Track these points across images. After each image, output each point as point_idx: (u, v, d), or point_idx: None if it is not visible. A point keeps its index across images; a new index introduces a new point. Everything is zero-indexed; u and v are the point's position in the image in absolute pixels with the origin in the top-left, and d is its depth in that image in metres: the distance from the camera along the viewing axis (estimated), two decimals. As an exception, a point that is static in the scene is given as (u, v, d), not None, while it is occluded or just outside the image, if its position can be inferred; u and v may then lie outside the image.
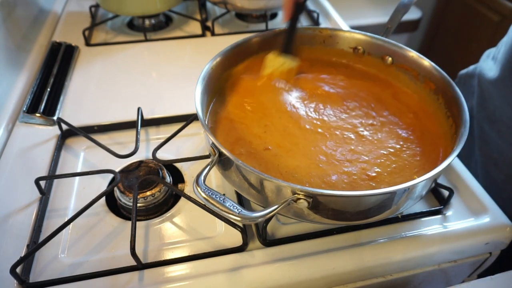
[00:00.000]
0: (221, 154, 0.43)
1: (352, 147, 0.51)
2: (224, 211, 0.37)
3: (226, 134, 0.53)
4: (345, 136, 0.53)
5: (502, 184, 0.68)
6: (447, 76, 0.54)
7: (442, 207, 0.54)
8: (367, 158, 0.50)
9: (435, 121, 0.55)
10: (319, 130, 0.53)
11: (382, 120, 0.56)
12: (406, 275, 0.51)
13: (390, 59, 0.62)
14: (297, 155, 0.50)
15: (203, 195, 0.38)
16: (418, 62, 0.59)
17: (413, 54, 0.59)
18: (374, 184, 0.47)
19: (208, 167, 0.43)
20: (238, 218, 0.37)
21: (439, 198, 0.56)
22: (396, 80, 0.62)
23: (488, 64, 0.72)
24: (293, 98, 0.59)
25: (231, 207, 0.37)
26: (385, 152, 0.51)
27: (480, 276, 0.58)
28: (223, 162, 0.46)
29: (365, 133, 0.53)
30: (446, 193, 0.54)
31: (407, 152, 0.51)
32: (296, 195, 0.39)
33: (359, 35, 0.64)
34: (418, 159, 0.50)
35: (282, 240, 0.49)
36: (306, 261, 0.47)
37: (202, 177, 0.40)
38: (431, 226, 0.52)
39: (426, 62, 0.58)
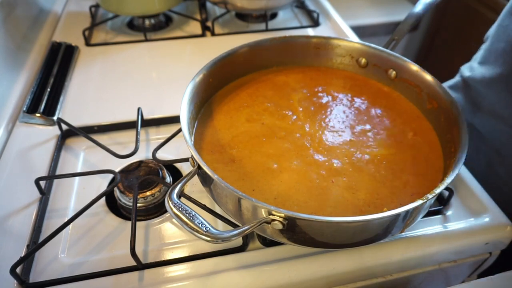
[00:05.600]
0: (200, 167, 0.42)
1: (347, 166, 0.49)
2: (192, 228, 0.36)
3: (214, 142, 0.51)
4: (343, 154, 0.51)
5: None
6: (450, 94, 0.52)
7: (442, 207, 0.54)
8: (353, 179, 0.48)
9: (434, 142, 0.53)
10: (315, 145, 0.52)
11: (378, 137, 0.54)
12: (406, 275, 0.51)
13: (394, 73, 0.60)
14: (289, 171, 0.48)
15: (174, 210, 0.37)
16: (421, 77, 0.56)
17: (416, 68, 0.57)
18: (363, 209, 0.45)
19: (185, 179, 0.41)
20: (204, 237, 0.36)
21: (439, 198, 0.56)
22: (399, 94, 0.60)
23: (471, 66, 0.73)
24: (293, 111, 0.57)
25: (199, 225, 0.36)
26: (376, 175, 0.48)
27: (480, 276, 0.58)
28: (202, 175, 0.45)
29: (358, 155, 0.51)
30: (446, 193, 0.54)
31: (401, 174, 0.49)
32: (271, 216, 0.37)
33: (362, 46, 0.61)
34: (413, 181, 0.48)
35: (282, 240, 0.49)
36: (306, 261, 0.47)
37: (175, 191, 0.39)
38: (431, 226, 0.52)
39: (429, 77, 0.55)
